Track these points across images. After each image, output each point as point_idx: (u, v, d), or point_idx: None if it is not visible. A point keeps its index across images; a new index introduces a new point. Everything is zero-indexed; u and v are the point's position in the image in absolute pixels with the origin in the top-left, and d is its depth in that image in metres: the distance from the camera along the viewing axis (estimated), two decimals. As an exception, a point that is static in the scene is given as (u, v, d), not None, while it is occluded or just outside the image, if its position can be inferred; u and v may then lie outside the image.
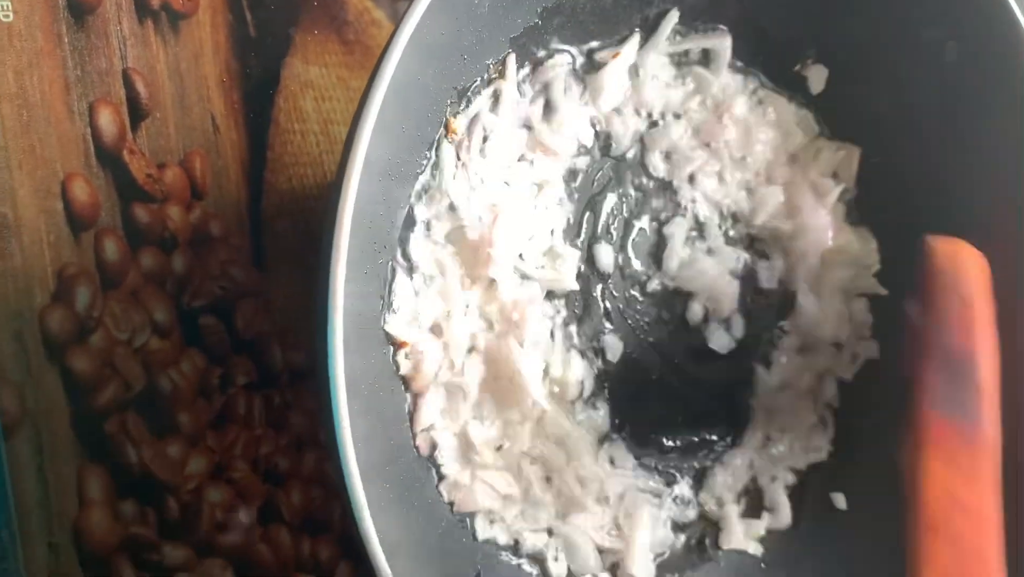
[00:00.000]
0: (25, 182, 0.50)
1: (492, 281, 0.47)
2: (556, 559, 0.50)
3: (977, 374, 0.42)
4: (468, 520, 0.48)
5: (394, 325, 0.45)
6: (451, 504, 0.48)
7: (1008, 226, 0.50)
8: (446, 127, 0.46)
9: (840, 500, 0.55)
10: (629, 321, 0.53)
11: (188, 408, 0.54)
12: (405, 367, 0.45)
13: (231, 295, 0.56)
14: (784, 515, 0.54)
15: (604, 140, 0.53)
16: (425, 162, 0.46)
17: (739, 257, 0.54)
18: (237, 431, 0.56)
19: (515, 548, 0.50)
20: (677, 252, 0.53)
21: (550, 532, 0.50)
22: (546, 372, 0.50)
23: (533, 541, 0.49)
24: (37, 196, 0.50)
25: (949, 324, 0.43)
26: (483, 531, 0.48)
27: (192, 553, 0.54)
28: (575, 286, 0.51)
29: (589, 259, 0.52)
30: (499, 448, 0.48)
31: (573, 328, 0.52)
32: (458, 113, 0.47)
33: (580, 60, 0.51)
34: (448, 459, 0.47)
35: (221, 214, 0.55)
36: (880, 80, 0.54)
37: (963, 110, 0.51)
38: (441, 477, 0.48)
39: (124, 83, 0.53)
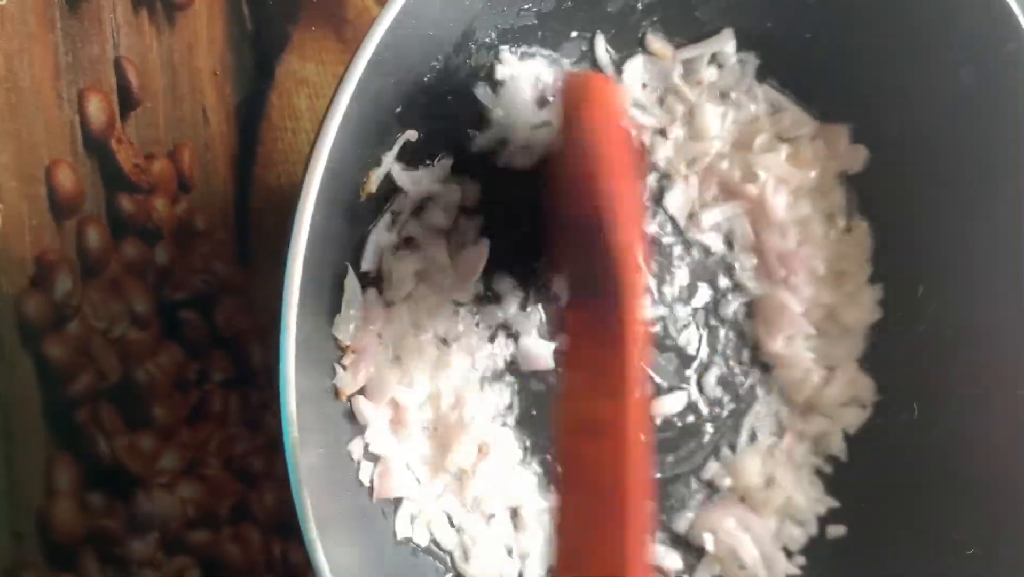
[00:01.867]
0: (9, 166, 0.51)
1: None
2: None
3: (605, 237, 0.33)
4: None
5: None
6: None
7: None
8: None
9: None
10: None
11: (163, 402, 0.54)
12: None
13: (213, 290, 0.55)
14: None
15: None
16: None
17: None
18: (212, 428, 0.55)
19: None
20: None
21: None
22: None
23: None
24: (21, 180, 0.51)
25: (572, 179, 0.34)
26: (403, 529, 0.47)
27: (159, 549, 0.53)
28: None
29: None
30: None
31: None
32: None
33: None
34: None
35: (207, 208, 0.55)
36: (893, 102, 0.53)
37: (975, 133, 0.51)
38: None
39: (115, 71, 0.53)
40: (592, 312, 0.33)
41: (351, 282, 0.44)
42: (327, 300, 0.43)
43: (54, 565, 0.51)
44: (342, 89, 0.38)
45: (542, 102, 0.50)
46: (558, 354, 0.35)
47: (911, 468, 0.53)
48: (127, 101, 0.53)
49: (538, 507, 0.50)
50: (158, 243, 0.54)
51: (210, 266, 0.55)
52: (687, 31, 0.53)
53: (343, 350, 0.44)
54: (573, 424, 0.33)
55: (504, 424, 0.51)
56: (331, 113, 0.38)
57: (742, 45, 0.53)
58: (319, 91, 0.57)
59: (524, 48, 0.49)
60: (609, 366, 0.32)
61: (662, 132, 0.53)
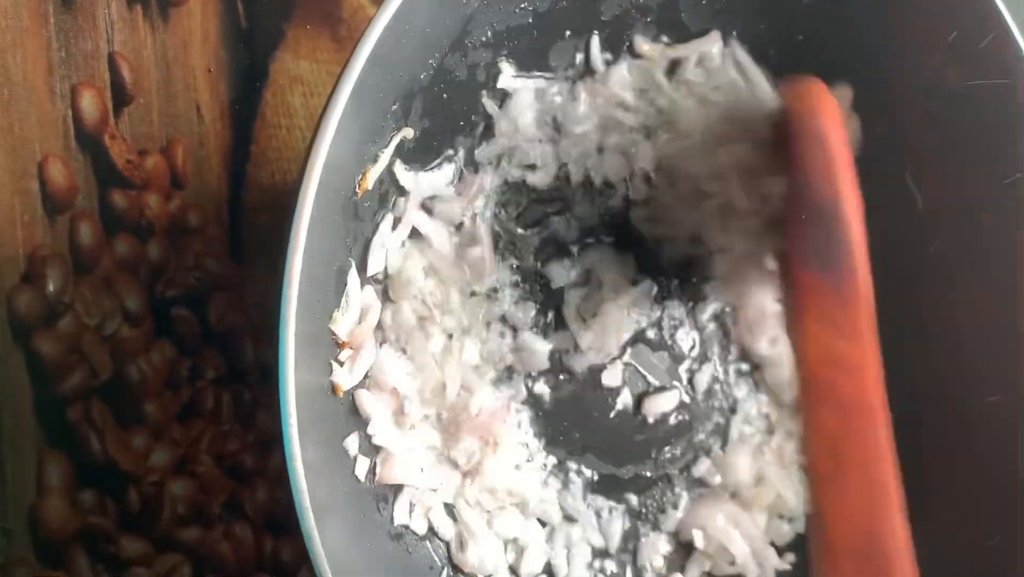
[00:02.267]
0: (2, 161, 0.51)
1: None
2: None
3: (842, 222, 0.40)
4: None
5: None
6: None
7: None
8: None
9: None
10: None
11: (155, 399, 0.54)
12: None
13: (206, 287, 0.55)
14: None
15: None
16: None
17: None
18: (204, 425, 0.55)
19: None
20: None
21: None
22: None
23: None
24: (13, 176, 0.51)
25: (810, 171, 0.41)
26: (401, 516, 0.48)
27: (150, 547, 0.53)
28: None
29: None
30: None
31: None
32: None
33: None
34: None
35: (200, 205, 0.55)
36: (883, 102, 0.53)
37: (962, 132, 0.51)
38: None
39: (109, 67, 0.54)
40: (830, 278, 0.40)
41: (352, 279, 0.44)
42: (326, 296, 0.43)
43: (45, 562, 0.51)
44: (341, 85, 0.38)
45: (542, 121, 0.51)
46: (791, 316, 0.43)
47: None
48: (120, 97, 0.53)
49: (541, 501, 0.51)
50: (151, 239, 0.54)
51: (203, 263, 0.56)
52: (677, 33, 0.53)
53: (340, 347, 0.44)
54: (817, 358, 0.40)
55: (513, 419, 0.51)
56: (330, 109, 0.38)
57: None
58: (313, 89, 0.57)
59: (522, 71, 0.51)
60: (849, 318, 0.39)
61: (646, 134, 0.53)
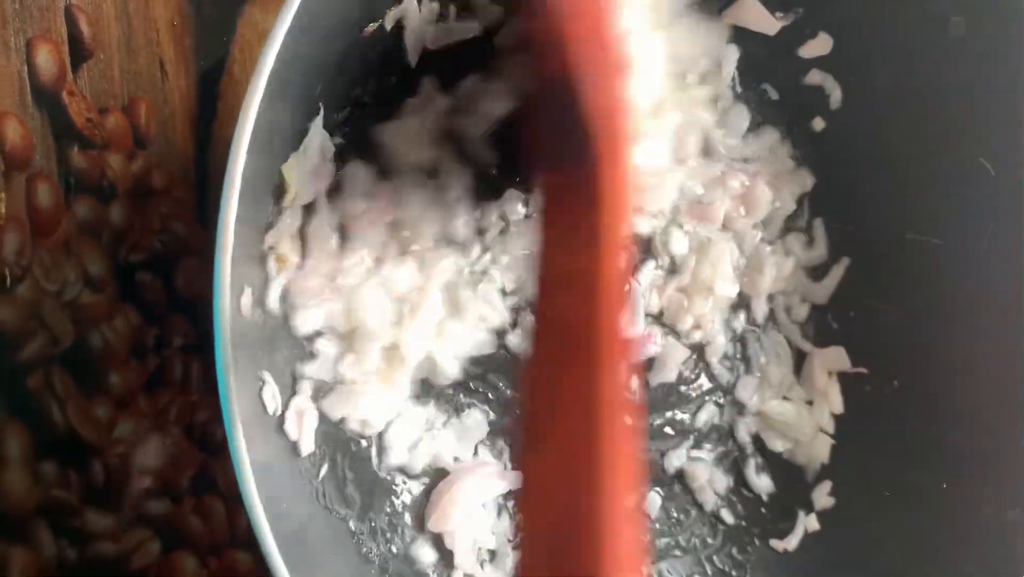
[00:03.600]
0: None
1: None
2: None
3: (576, 101, 0.33)
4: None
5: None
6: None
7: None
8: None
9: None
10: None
11: (119, 368, 0.54)
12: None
13: (172, 251, 0.55)
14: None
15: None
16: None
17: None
18: (171, 395, 0.55)
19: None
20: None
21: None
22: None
23: None
24: None
25: (546, 48, 0.35)
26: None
27: (116, 522, 0.53)
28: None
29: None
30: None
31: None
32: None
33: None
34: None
35: (165, 165, 0.55)
36: (884, 53, 0.53)
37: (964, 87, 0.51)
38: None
39: (66, 20, 0.53)
40: (568, 174, 0.33)
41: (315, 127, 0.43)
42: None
43: (5, 537, 0.51)
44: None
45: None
46: (535, 217, 0.36)
47: (895, 435, 0.54)
48: (79, 52, 0.53)
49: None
50: (113, 201, 0.54)
51: (168, 226, 0.55)
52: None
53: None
54: (548, 278, 0.33)
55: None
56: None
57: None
58: (283, 44, 0.56)
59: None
60: (584, 222, 0.32)
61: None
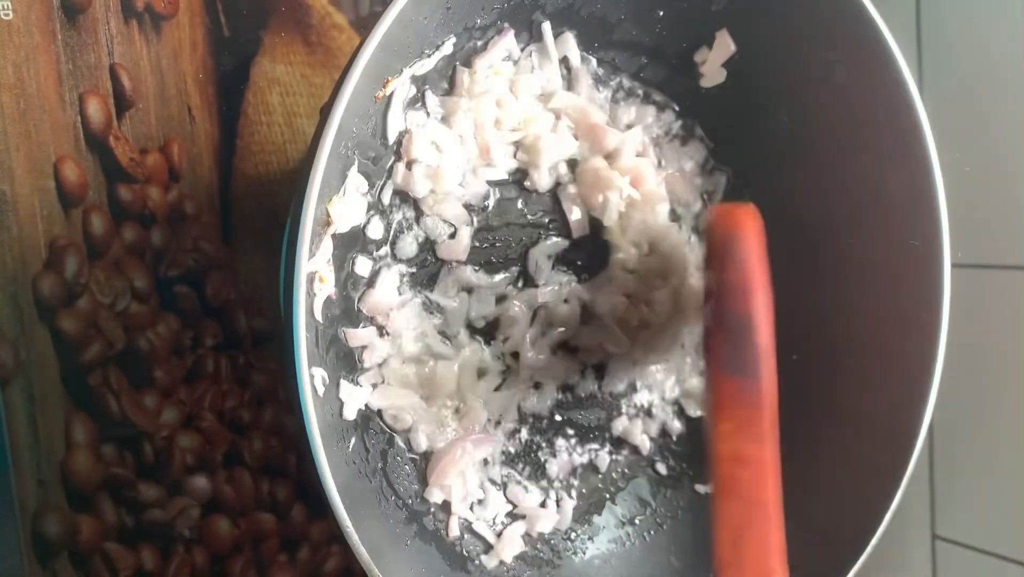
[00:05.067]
0: (22, 163, 0.56)
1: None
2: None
3: (756, 335, 0.44)
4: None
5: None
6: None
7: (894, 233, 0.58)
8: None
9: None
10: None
11: (163, 365, 0.60)
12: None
13: (202, 266, 0.61)
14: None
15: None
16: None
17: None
18: (206, 386, 0.62)
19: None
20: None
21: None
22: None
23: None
24: (32, 176, 0.56)
25: (729, 290, 0.45)
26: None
27: (164, 492, 0.61)
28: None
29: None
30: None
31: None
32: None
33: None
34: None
35: (195, 195, 0.61)
36: (780, 93, 0.61)
37: (848, 124, 0.60)
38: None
39: (111, 76, 0.58)
40: (741, 384, 0.45)
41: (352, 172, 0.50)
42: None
43: (75, 508, 0.58)
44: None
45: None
46: (708, 410, 0.47)
47: (799, 399, 0.60)
48: (122, 103, 0.59)
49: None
50: (153, 227, 0.60)
51: (199, 246, 0.61)
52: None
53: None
54: (726, 456, 0.45)
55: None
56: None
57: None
58: (289, 88, 0.64)
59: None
60: (757, 421, 0.45)
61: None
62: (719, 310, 0.46)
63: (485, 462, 0.59)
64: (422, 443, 0.57)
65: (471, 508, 0.58)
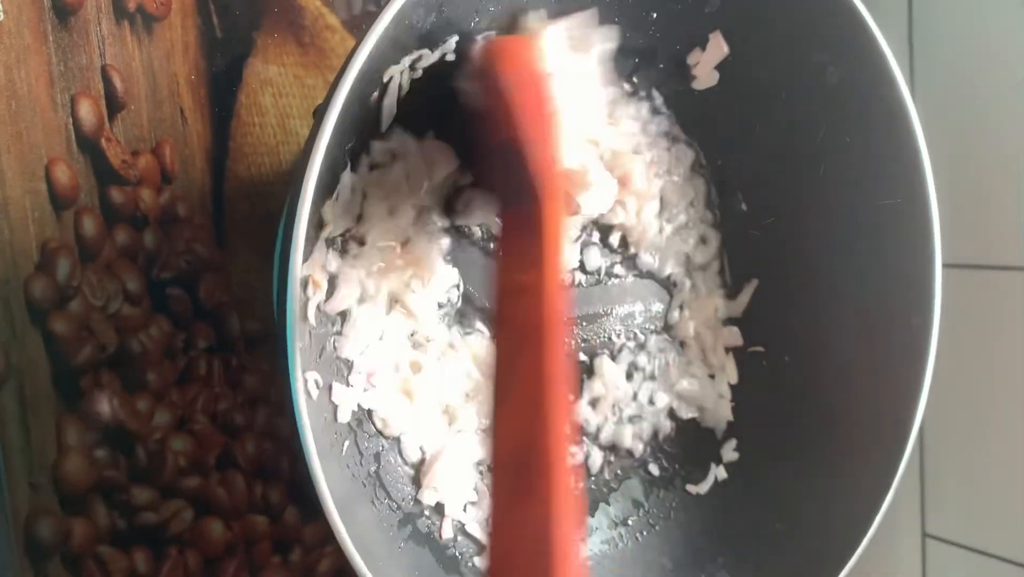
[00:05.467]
0: (13, 165, 0.55)
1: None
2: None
3: (526, 161, 0.43)
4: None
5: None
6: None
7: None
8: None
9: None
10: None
11: (155, 367, 0.60)
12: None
13: (195, 269, 0.61)
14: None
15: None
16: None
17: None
18: (198, 389, 0.62)
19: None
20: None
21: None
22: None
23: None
24: (23, 178, 0.56)
25: (497, 121, 0.44)
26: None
27: (157, 495, 0.60)
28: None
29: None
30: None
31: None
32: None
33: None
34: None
35: (187, 197, 0.61)
36: (774, 95, 0.62)
37: (841, 125, 0.60)
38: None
39: (102, 78, 0.58)
40: (518, 212, 0.44)
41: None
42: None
43: (68, 511, 0.57)
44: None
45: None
46: (496, 243, 0.47)
47: (791, 400, 0.64)
48: (114, 104, 0.58)
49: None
50: (145, 229, 0.59)
51: (192, 248, 0.61)
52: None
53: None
54: (505, 289, 0.43)
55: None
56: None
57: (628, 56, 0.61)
58: (282, 90, 0.64)
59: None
60: (531, 248, 0.43)
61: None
62: (495, 144, 0.45)
63: (479, 464, 0.59)
64: (413, 450, 0.57)
65: (464, 509, 0.58)
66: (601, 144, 0.61)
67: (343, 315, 0.54)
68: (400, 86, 0.52)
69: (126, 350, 0.59)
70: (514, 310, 0.42)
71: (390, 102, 0.52)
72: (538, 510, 0.36)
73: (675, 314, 0.67)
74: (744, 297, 0.67)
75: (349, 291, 0.53)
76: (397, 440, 0.57)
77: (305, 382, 0.45)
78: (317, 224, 0.48)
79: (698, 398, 0.66)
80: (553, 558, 0.35)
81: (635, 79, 0.63)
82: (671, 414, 0.67)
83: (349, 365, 0.54)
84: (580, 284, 0.64)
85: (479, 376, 0.59)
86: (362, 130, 0.52)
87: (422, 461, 0.57)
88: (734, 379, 0.67)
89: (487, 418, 0.45)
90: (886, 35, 0.56)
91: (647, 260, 0.66)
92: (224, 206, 0.63)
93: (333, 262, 0.53)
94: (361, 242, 0.55)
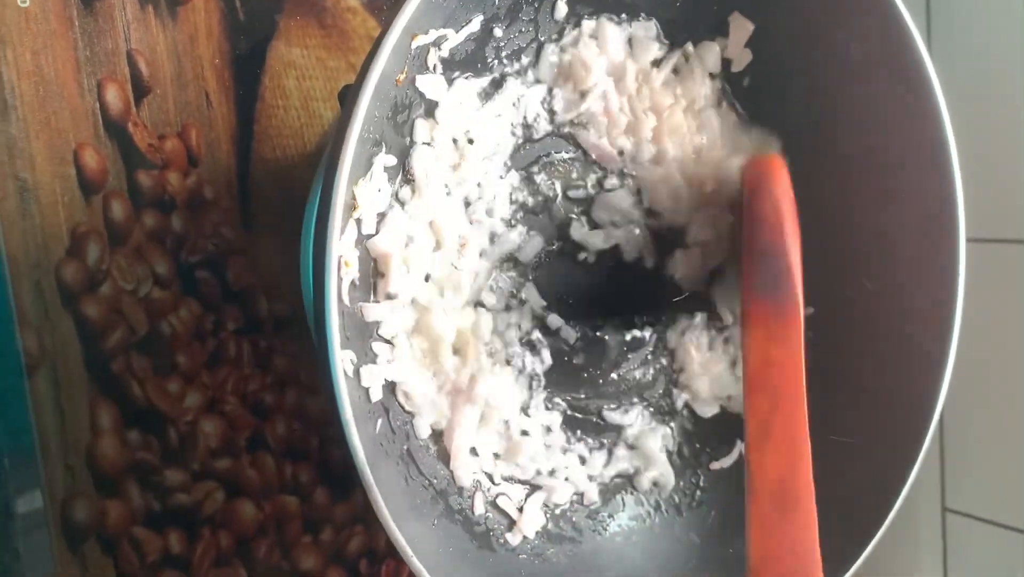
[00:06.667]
0: (42, 150, 0.56)
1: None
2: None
3: (786, 260, 0.51)
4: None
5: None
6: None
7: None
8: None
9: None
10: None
11: (185, 350, 0.61)
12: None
13: (223, 251, 0.62)
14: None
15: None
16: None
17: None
18: (228, 370, 0.63)
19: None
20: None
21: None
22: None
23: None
24: (52, 163, 0.56)
25: (763, 224, 0.52)
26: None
27: (189, 476, 0.61)
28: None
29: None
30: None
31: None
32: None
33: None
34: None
35: (214, 180, 0.61)
36: (798, 71, 0.61)
37: (863, 102, 0.60)
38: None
39: (128, 63, 0.58)
40: (773, 303, 0.51)
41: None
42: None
43: (102, 493, 0.58)
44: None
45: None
46: (742, 327, 0.53)
47: (816, 378, 0.63)
48: (140, 88, 0.59)
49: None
50: (173, 212, 0.60)
51: (219, 231, 0.62)
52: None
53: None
54: (757, 361, 0.51)
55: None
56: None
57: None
58: (305, 72, 0.64)
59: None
60: (781, 330, 0.51)
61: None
62: (751, 241, 0.52)
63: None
64: (425, 427, 0.57)
65: (493, 481, 0.59)
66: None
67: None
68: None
69: (156, 333, 0.60)
70: (767, 377, 0.50)
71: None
72: (800, 533, 0.49)
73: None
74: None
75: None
76: (412, 416, 0.58)
77: (342, 362, 0.45)
78: (350, 205, 0.48)
79: (723, 390, 0.66)
80: (815, 568, 0.48)
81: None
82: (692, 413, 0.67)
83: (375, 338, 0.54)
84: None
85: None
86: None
87: (439, 437, 0.58)
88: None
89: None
90: (907, 7, 0.56)
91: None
92: (250, 188, 0.63)
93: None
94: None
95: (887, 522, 0.58)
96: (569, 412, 0.63)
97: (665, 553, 0.63)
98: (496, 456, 0.59)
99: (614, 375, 0.64)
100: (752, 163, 0.57)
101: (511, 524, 0.59)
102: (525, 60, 0.58)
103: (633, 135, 0.61)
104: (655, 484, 0.64)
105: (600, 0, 0.59)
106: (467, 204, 0.57)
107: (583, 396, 0.63)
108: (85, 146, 0.57)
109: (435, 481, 0.57)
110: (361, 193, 0.48)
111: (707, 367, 0.65)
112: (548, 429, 0.61)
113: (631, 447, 0.64)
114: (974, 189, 0.58)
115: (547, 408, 0.62)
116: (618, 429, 0.64)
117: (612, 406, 0.64)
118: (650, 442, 0.64)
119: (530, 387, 0.61)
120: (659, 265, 0.63)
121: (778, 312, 0.51)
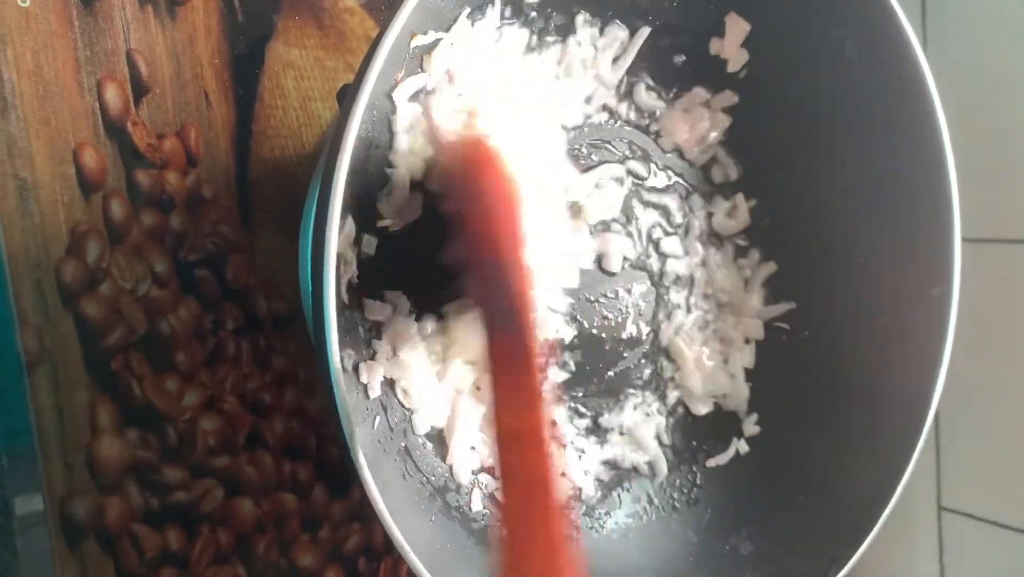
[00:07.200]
0: (41, 149, 0.56)
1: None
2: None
3: (508, 282, 0.41)
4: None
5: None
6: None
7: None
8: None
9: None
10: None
11: (184, 348, 0.61)
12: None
13: (222, 250, 0.62)
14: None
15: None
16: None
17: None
18: (227, 369, 0.62)
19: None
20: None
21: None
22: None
23: None
24: (52, 162, 0.56)
25: (476, 240, 0.43)
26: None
27: (188, 474, 0.61)
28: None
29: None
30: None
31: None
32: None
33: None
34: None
35: (212, 179, 0.61)
36: (793, 69, 0.62)
37: (859, 100, 0.61)
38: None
39: (127, 62, 0.58)
40: (507, 342, 0.41)
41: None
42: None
43: (102, 491, 0.58)
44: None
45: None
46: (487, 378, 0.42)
47: (812, 376, 0.65)
48: (139, 88, 0.59)
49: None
50: (172, 211, 0.60)
51: (218, 230, 0.62)
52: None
53: None
54: (505, 433, 0.41)
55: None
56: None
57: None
58: (303, 72, 0.65)
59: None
60: (523, 385, 0.41)
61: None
62: (470, 256, 0.43)
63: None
64: (424, 424, 0.57)
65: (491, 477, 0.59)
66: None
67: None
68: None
69: (156, 332, 0.60)
70: (518, 461, 0.40)
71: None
72: None
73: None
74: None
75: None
76: (412, 412, 0.58)
77: (341, 359, 0.46)
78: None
79: (716, 389, 0.67)
80: None
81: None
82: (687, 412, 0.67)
83: (374, 336, 0.55)
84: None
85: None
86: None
87: (438, 434, 0.58)
88: (750, 364, 0.67)
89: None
90: (902, 7, 0.56)
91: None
92: (249, 188, 0.63)
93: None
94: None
95: (882, 520, 0.58)
96: (567, 409, 0.63)
97: (662, 550, 0.63)
98: (494, 452, 0.60)
99: (610, 373, 0.65)
100: (455, 148, 0.47)
101: (509, 521, 0.59)
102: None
103: None
104: (649, 466, 0.64)
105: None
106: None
107: (580, 393, 0.64)
108: (84, 145, 0.57)
109: (433, 478, 0.57)
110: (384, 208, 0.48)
111: (699, 364, 0.66)
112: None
113: (623, 434, 0.64)
114: (970, 189, 0.58)
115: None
116: (613, 424, 0.65)
117: (608, 403, 0.65)
118: (643, 429, 0.64)
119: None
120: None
121: (515, 357, 0.41)
